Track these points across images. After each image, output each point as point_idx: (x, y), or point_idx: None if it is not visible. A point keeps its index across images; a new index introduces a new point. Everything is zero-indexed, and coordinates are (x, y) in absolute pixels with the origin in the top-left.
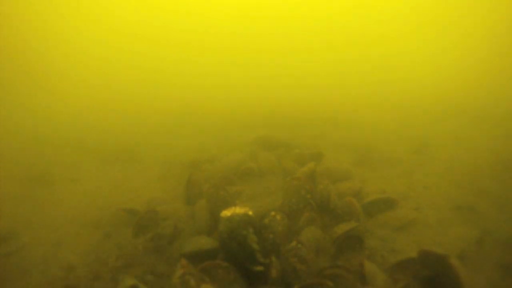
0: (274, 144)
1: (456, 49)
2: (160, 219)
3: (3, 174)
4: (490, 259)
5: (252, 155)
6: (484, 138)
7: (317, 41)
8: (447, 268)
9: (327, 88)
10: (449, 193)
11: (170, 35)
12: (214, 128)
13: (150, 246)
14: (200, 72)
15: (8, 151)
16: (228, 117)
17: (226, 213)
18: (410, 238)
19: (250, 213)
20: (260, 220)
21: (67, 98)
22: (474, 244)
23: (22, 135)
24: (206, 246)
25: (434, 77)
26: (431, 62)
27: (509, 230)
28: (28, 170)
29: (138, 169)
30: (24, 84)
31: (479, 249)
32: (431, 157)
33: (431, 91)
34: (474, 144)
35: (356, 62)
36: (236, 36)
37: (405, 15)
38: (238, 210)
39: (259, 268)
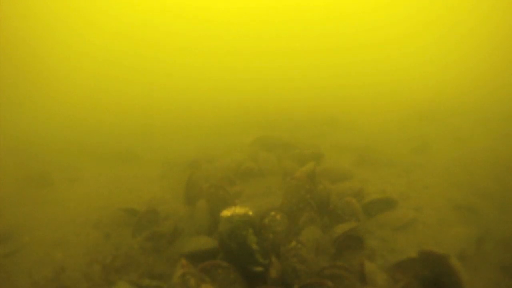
0: (274, 144)
1: (456, 50)
2: (160, 219)
3: (3, 174)
4: (490, 259)
5: (252, 155)
6: (484, 138)
7: (318, 43)
8: (447, 268)
9: (328, 90)
10: (449, 193)
11: (170, 38)
12: (214, 129)
13: (149, 246)
14: (200, 74)
15: (8, 152)
16: (228, 117)
17: (226, 213)
18: (410, 238)
19: (250, 213)
20: (260, 220)
21: (67, 100)
22: (474, 244)
23: (22, 136)
24: (206, 246)
25: (434, 78)
26: (431, 63)
27: (509, 230)
28: (28, 171)
29: (138, 169)
30: (24, 86)
31: (479, 249)
32: (431, 157)
33: (431, 92)
34: (474, 144)
35: (357, 64)
36: (236, 39)
37: (404, 17)
38: (238, 210)
39: (259, 268)
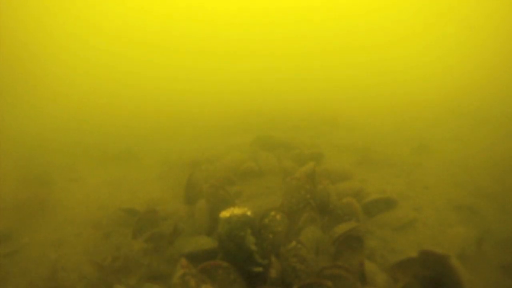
0: (274, 144)
1: (456, 52)
2: (160, 219)
3: (3, 175)
4: (490, 259)
5: (252, 155)
6: (484, 138)
7: (318, 44)
8: (447, 268)
9: (328, 90)
10: (449, 193)
11: (170, 40)
12: (214, 129)
13: (149, 247)
14: (200, 75)
15: (8, 152)
16: (228, 117)
17: (225, 214)
18: (410, 238)
19: (249, 213)
20: (260, 220)
21: (67, 101)
22: (474, 244)
23: (21, 137)
24: (206, 246)
25: (434, 79)
26: (431, 64)
27: (509, 230)
28: (28, 171)
29: (138, 169)
30: (23, 87)
31: (479, 249)
32: (431, 157)
33: (431, 93)
34: (474, 144)
35: (357, 64)
36: (236, 39)
37: (404, 19)
38: (236, 210)
39: (258, 269)
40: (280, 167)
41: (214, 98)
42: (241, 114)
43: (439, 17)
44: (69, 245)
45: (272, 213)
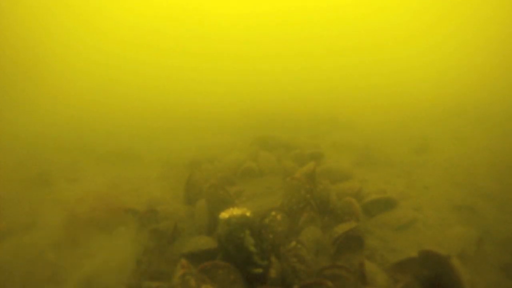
0: (274, 144)
1: (456, 52)
2: (160, 219)
3: (3, 174)
4: (490, 259)
5: (252, 155)
6: (484, 138)
7: (318, 45)
8: (447, 268)
9: (328, 90)
10: (449, 193)
11: (170, 40)
12: (214, 129)
13: (149, 246)
14: (200, 75)
15: (8, 152)
16: (228, 117)
17: (224, 215)
18: (410, 238)
19: (248, 214)
20: (261, 220)
21: (67, 100)
22: (474, 244)
23: (21, 136)
24: (206, 246)
25: (434, 79)
26: (431, 65)
27: (509, 230)
28: (27, 170)
29: (138, 169)
30: (24, 86)
31: (479, 249)
32: (431, 157)
33: (431, 93)
34: (474, 144)
35: (357, 65)
36: (236, 40)
37: (405, 20)
38: (236, 211)
39: (258, 270)
40: (280, 167)
41: (214, 98)
42: (241, 114)
43: (439, 18)
44: (69, 245)
45: (273, 213)
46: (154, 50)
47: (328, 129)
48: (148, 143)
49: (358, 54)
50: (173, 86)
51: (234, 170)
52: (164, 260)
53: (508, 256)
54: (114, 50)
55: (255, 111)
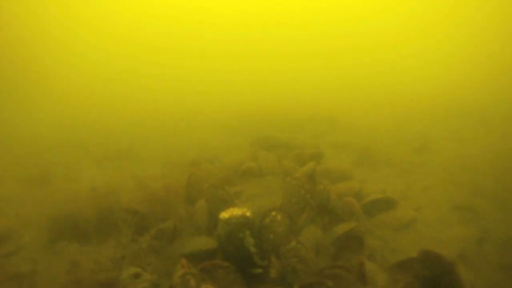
0: (274, 144)
1: (456, 52)
2: (160, 219)
3: (3, 174)
4: (490, 259)
5: (252, 155)
6: (484, 138)
7: (319, 45)
8: (447, 268)
9: (328, 90)
10: (449, 193)
11: (171, 41)
12: (214, 129)
13: (149, 246)
14: (200, 75)
15: (8, 151)
16: (228, 117)
17: (224, 215)
18: (410, 238)
19: (248, 214)
20: (261, 220)
21: (67, 100)
22: (474, 244)
23: (21, 136)
24: (205, 246)
25: (434, 79)
26: (431, 65)
27: (509, 230)
28: (27, 170)
29: (137, 169)
30: (23, 86)
31: (479, 249)
32: (431, 157)
33: (431, 93)
34: (474, 144)
35: (357, 65)
36: (237, 40)
37: (405, 19)
38: (235, 212)
39: (258, 270)
40: (280, 167)
41: (214, 98)
42: (241, 114)
43: (439, 18)
44: (69, 245)
45: (273, 213)
46: (154, 49)
47: (328, 129)
48: (148, 143)
49: (358, 54)
50: (173, 86)
51: (234, 170)
52: (164, 260)
53: (508, 256)
54: (114, 50)
55: (255, 111)
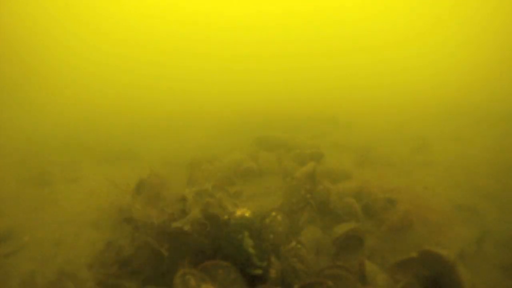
0: (274, 144)
1: (456, 52)
2: None
3: (3, 174)
4: (490, 259)
5: (252, 155)
6: (484, 138)
7: (319, 45)
8: (447, 268)
9: (328, 90)
10: (449, 193)
11: (171, 42)
12: (214, 129)
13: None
14: (201, 75)
15: (8, 152)
16: (228, 117)
17: (224, 216)
18: (410, 238)
19: (247, 214)
20: (261, 220)
21: (68, 100)
22: (474, 244)
23: (22, 136)
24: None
25: (435, 79)
26: (431, 65)
27: (509, 230)
28: (27, 170)
29: (138, 169)
30: (23, 86)
31: (479, 249)
32: (431, 157)
33: (431, 93)
34: (474, 144)
35: (358, 65)
36: (237, 41)
37: (405, 20)
38: (235, 212)
39: (257, 271)
40: (280, 167)
41: (214, 98)
42: (241, 114)
43: (439, 19)
44: (69, 245)
45: (273, 213)
46: (155, 50)
47: (328, 129)
48: (148, 143)
49: (358, 54)
50: (173, 86)
51: (234, 170)
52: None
53: (508, 256)
54: (114, 50)
55: (256, 111)
